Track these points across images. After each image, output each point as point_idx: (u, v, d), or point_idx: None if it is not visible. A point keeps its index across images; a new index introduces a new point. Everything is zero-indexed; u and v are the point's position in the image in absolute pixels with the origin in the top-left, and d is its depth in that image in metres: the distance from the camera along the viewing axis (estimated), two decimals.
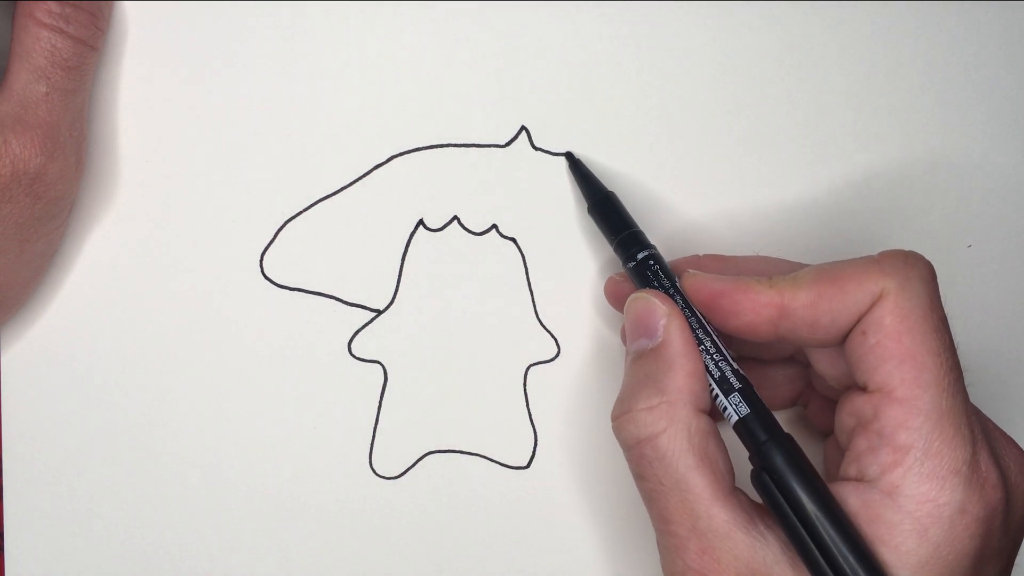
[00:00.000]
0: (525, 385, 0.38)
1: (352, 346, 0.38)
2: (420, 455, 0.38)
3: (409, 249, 0.37)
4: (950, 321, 0.31)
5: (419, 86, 0.37)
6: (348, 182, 0.37)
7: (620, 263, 0.36)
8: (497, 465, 0.38)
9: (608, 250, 0.36)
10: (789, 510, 0.30)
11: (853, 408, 0.31)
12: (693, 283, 0.33)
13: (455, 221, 0.38)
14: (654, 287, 0.34)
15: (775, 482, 0.30)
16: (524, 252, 0.38)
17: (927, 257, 0.39)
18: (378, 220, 0.37)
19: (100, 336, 0.37)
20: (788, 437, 0.31)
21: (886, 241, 0.39)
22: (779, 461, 0.30)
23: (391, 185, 0.37)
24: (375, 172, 0.37)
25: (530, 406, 0.38)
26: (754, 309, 0.31)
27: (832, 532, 0.29)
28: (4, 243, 0.33)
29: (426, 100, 0.37)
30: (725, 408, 0.32)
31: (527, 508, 0.38)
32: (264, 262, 0.37)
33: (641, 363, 0.32)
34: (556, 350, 0.38)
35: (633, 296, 0.34)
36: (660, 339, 0.32)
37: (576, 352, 0.38)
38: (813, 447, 0.37)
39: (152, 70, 0.36)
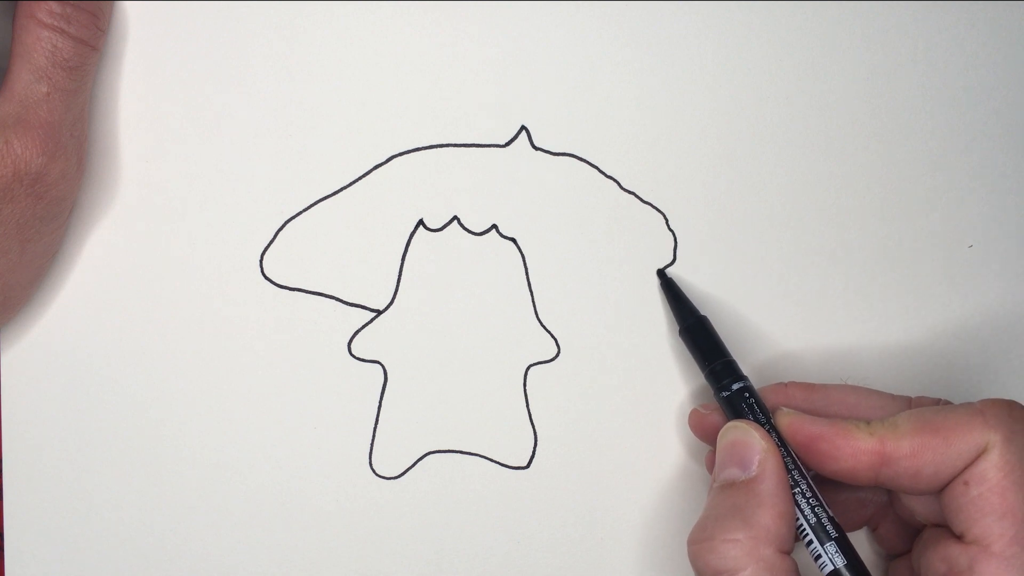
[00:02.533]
0: (525, 385, 0.38)
1: (352, 346, 0.38)
2: (420, 455, 0.38)
3: (409, 249, 0.37)
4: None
5: (419, 86, 0.37)
6: (348, 182, 0.37)
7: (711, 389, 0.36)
8: (497, 465, 0.38)
9: (699, 377, 0.37)
10: None
11: (946, 555, 0.31)
12: (790, 424, 0.33)
13: (455, 221, 0.38)
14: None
15: None
16: (524, 252, 0.38)
17: (927, 257, 0.39)
18: (378, 220, 0.37)
19: (100, 336, 0.37)
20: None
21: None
22: None
23: (391, 185, 0.37)
24: (375, 172, 0.37)
25: (530, 406, 0.38)
26: (854, 456, 0.31)
27: None
28: (6, 243, 0.33)
29: (426, 100, 0.37)
30: (819, 556, 0.32)
31: (527, 508, 0.38)
32: (264, 262, 0.37)
33: (730, 494, 0.32)
34: (556, 350, 0.38)
35: (732, 424, 0.34)
36: (754, 473, 0.32)
37: (576, 352, 0.38)
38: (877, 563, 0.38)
39: (152, 70, 0.36)
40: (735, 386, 0.35)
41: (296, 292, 0.37)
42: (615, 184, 0.38)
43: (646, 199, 0.38)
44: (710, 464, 0.37)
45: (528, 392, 0.38)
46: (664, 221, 0.38)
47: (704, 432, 0.36)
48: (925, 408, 0.32)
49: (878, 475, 0.31)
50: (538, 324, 0.38)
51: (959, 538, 0.31)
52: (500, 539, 0.38)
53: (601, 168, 0.38)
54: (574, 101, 0.37)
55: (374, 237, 0.37)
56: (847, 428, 0.32)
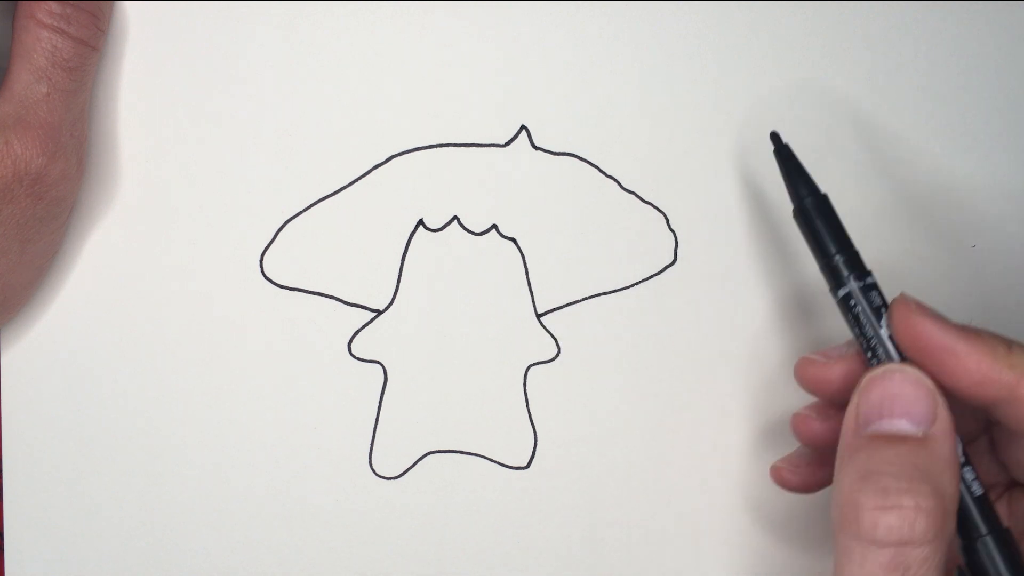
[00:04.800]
0: (525, 385, 0.38)
1: (352, 346, 0.38)
2: (420, 455, 0.38)
3: (409, 249, 0.37)
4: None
5: (419, 86, 0.37)
6: (348, 182, 0.37)
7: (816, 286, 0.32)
8: (497, 465, 0.38)
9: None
10: None
11: None
12: (912, 326, 0.28)
13: (455, 221, 0.38)
14: (866, 328, 0.29)
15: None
16: (524, 252, 0.38)
17: (927, 256, 0.39)
18: (378, 220, 0.37)
19: (100, 336, 0.37)
20: (1007, 531, 0.29)
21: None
22: (995, 556, 0.28)
23: (391, 185, 0.37)
24: (375, 172, 0.37)
25: (530, 406, 0.38)
26: (981, 384, 0.28)
27: None
28: (6, 243, 0.33)
29: (426, 100, 0.37)
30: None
31: (527, 508, 0.38)
32: (264, 262, 0.37)
33: (903, 451, 0.27)
34: (556, 350, 0.38)
35: (896, 367, 0.29)
36: (932, 431, 0.27)
37: (576, 352, 0.38)
38: None
39: (152, 70, 0.36)
40: (868, 281, 0.30)
41: (296, 292, 0.37)
42: (615, 184, 0.38)
43: (646, 199, 0.38)
44: (801, 425, 0.33)
45: (528, 392, 0.38)
46: (664, 221, 0.38)
47: (818, 384, 0.32)
48: None
49: (995, 408, 0.28)
50: (538, 324, 0.38)
51: None
52: (500, 539, 0.38)
53: (601, 168, 0.38)
54: (574, 101, 0.37)
55: (374, 237, 0.37)
56: (984, 350, 0.27)
